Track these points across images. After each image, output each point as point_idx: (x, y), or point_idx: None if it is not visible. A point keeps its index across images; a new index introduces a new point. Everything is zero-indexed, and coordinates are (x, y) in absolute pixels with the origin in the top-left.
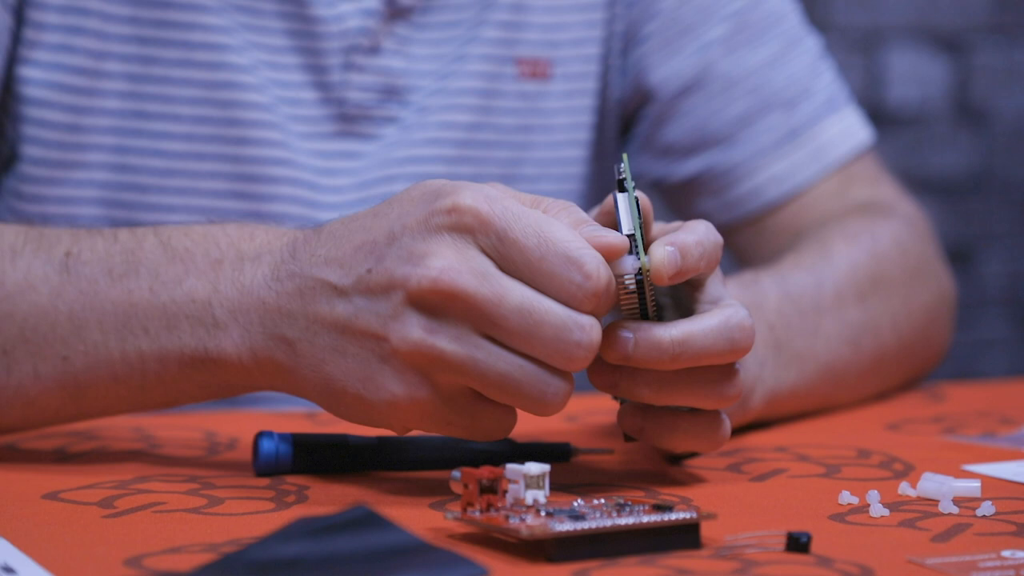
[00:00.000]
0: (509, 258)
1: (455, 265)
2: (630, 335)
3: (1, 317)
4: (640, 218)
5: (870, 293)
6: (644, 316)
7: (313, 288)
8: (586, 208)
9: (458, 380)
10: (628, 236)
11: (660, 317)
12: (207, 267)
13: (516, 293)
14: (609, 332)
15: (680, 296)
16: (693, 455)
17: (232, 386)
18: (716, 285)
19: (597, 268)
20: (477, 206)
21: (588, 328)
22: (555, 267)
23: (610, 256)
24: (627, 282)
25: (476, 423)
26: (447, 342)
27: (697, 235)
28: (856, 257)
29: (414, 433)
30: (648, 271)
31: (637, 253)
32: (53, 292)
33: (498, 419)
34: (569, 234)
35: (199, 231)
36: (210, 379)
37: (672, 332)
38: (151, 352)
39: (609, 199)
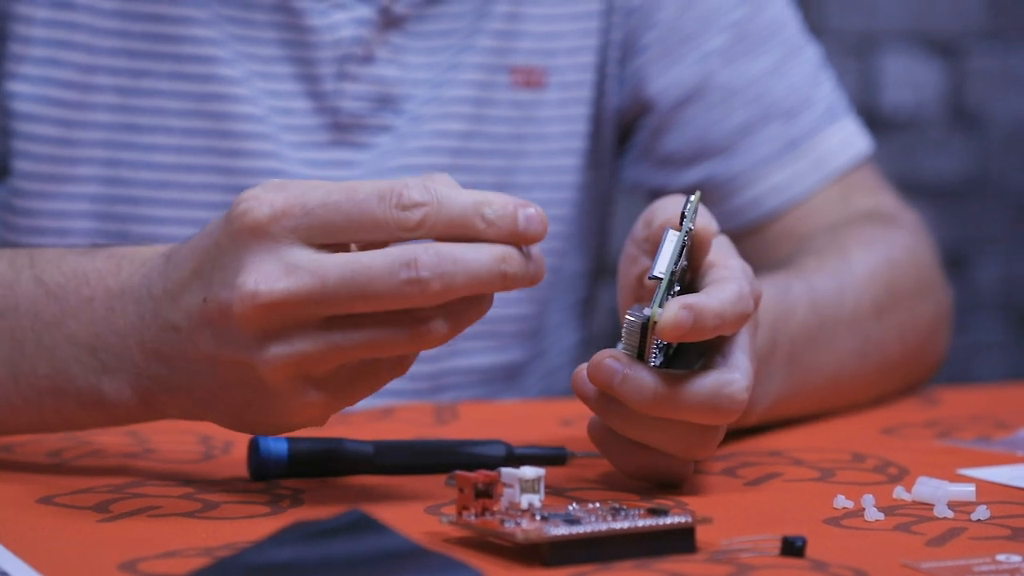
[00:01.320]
0: (321, 227)
1: (264, 274)
2: (620, 369)
3: None
4: (686, 260)
5: (886, 306)
6: (640, 358)
7: (172, 329)
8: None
9: (338, 363)
10: (655, 278)
11: (679, 349)
12: (79, 306)
13: (332, 268)
14: (601, 356)
15: None
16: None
17: (132, 421)
18: (736, 341)
19: (406, 185)
20: (268, 198)
21: (416, 261)
22: (371, 207)
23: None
24: (629, 318)
25: (377, 378)
26: (303, 344)
27: (721, 303)
28: (874, 265)
29: (410, 436)
30: (655, 324)
31: (654, 301)
32: None
33: (392, 368)
34: (378, 181)
35: (70, 264)
36: (106, 418)
37: (660, 384)
38: (47, 388)
39: (660, 222)
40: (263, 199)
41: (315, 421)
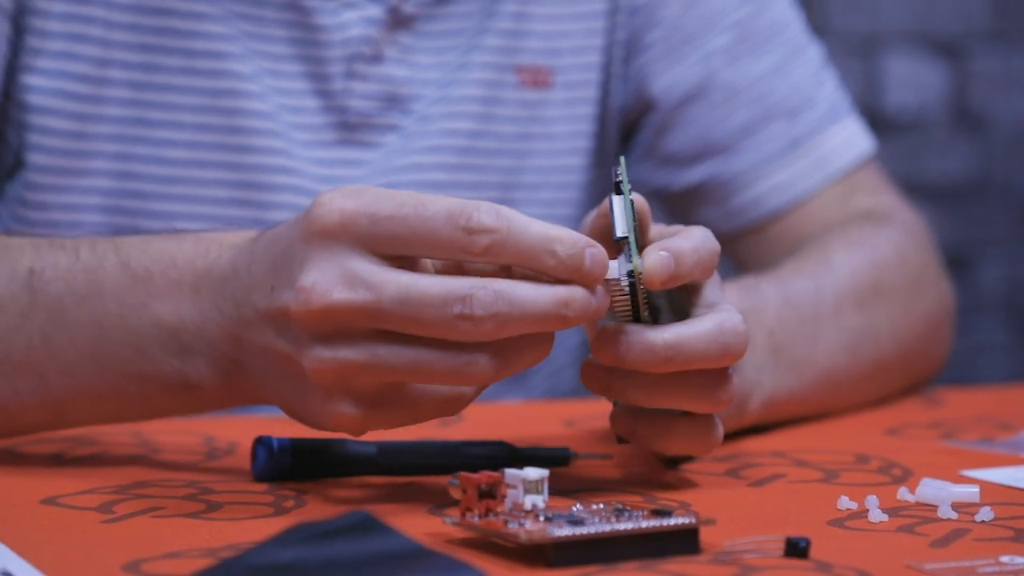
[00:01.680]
0: (387, 238)
1: (323, 278)
2: (624, 338)
3: None
4: (635, 220)
5: (870, 300)
6: (636, 319)
7: (244, 314)
8: (585, 214)
9: (379, 381)
10: (622, 239)
11: (655, 319)
12: (167, 288)
13: (390, 285)
14: (602, 334)
15: (676, 299)
16: (687, 459)
17: (212, 404)
18: (713, 289)
19: (477, 208)
20: (340, 202)
21: (471, 298)
22: (438, 225)
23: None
24: (621, 284)
25: (419, 409)
26: (349, 352)
27: (693, 242)
28: (856, 264)
29: (413, 437)
30: (641, 275)
31: (630, 256)
32: (21, 312)
33: (438, 401)
34: (450, 199)
35: (157, 247)
36: (189, 400)
37: (665, 335)
38: (130, 373)
39: (606, 202)
40: (335, 204)
41: (349, 431)
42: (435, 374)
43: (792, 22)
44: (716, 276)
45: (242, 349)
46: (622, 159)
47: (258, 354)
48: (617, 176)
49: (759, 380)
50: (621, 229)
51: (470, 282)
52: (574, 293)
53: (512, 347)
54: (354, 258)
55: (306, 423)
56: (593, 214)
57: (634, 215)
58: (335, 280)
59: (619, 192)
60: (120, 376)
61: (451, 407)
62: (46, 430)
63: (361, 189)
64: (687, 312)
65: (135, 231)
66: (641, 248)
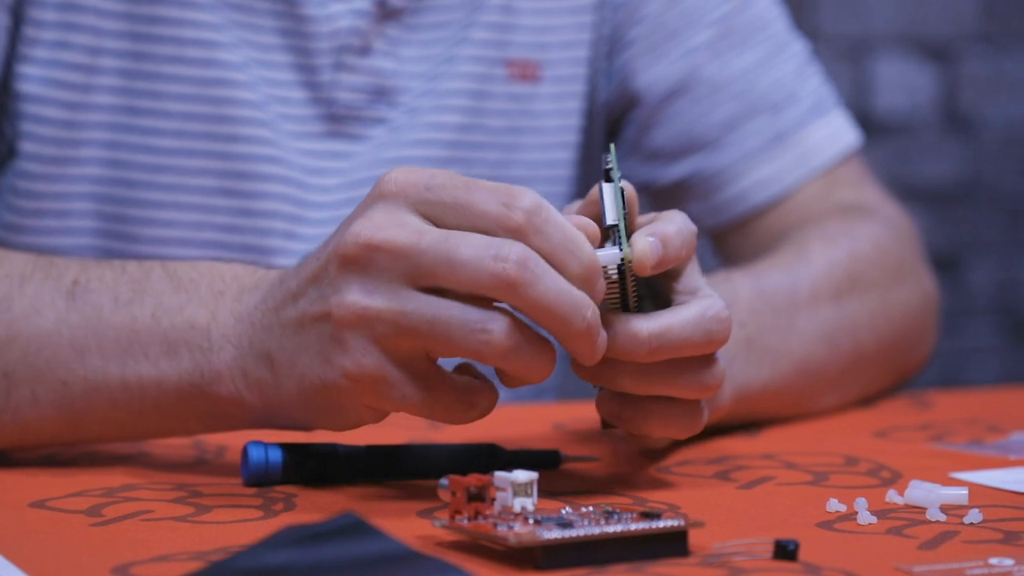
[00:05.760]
0: (439, 204)
1: (377, 221)
2: (608, 328)
3: (5, 341)
4: (625, 208)
5: (847, 292)
6: (625, 307)
7: (283, 298)
8: None
9: (400, 340)
10: (611, 227)
11: (640, 307)
12: (209, 297)
13: (433, 232)
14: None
15: (657, 286)
16: (672, 447)
17: (227, 416)
18: (693, 275)
19: (523, 192)
20: (404, 173)
21: (508, 247)
22: (482, 199)
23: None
24: (609, 272)
25: (435, 397)
26: (380, 300)
27: (676, 224)
28: (833, 257)
29: (403, 440)
30: (630, 261)
31: (620, 244)
32: (58, 318)
33: (457, 394)
34: (495, 182)
35: (206, 266)
36: (206, 407)
37: (650, 325)
38: (150, 378)
39: (594, 190)
40: (397, 174)
41: (364, 398)
42: (453, 332)
43: (775, 18)
44: (695, 261)
45: (274, 336)
46: (612, 147)
47: (291, 332)
48: (607, 164)
49: (730, 372)
50: (611, 217)
51: (507, 241)
52: (594, 307)
53: (525, 334)
54: (406, 212)
55: (323, 407)
56: (579, 203)
57: (624, 202)
58: (385, 223)
59: (609, 180)
60: (140, 381)
61: (466, 403)
62: (61, 445)
63: (425, 166)
64: (668, 299)
65: (122, 219)
66: (630, 235)
